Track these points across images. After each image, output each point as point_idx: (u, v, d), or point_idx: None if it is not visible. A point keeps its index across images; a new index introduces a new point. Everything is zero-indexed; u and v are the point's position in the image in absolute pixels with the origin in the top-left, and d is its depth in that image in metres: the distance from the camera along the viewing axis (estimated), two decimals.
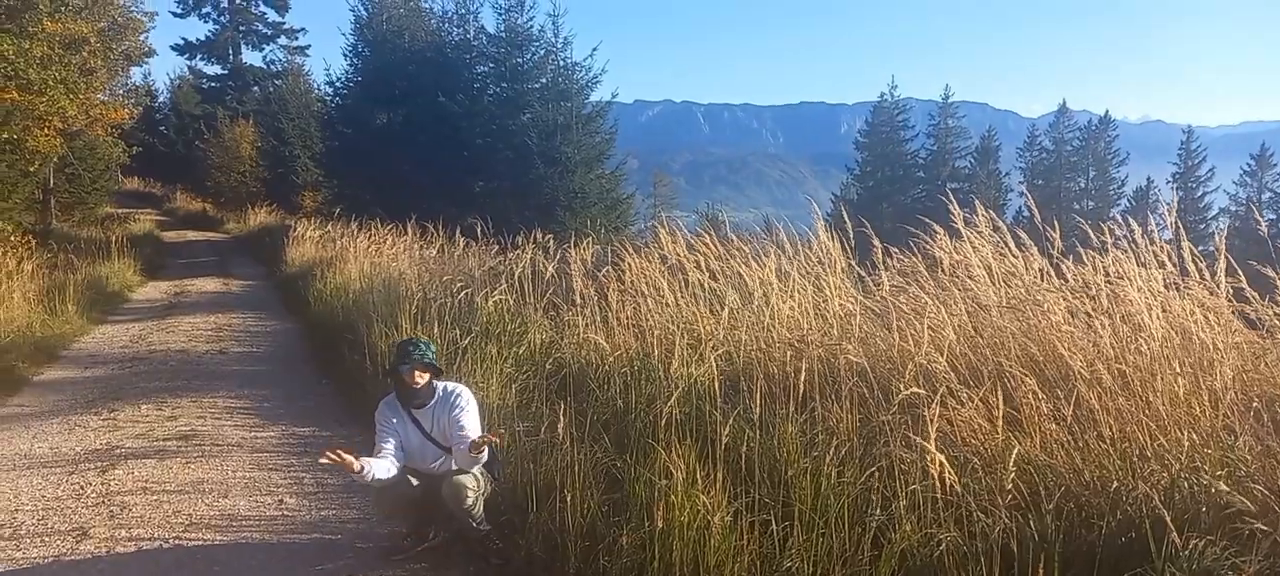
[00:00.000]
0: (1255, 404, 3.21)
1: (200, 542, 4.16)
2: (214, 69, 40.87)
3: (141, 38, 20.55)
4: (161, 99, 46.21)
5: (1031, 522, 2.82)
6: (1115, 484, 2.91)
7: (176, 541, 4.18)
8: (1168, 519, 2.51)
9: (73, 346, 9.72)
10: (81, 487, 4.97)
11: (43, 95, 12.86)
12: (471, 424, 3.80)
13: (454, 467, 3.81)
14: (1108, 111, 45.29)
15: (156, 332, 10.62)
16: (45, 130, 14.08)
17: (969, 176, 40.71)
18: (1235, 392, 3.30)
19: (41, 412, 6.77)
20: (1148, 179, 38.93)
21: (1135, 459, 3.02)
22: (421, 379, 3.80)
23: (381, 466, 3.72)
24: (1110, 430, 3.19)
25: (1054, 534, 2.76)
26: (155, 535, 4.26)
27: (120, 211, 27.81)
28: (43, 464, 5.44)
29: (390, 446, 3.80)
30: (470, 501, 3.78)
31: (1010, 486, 2.85)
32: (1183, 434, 3.06)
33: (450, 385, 3.92)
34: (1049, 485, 3.00)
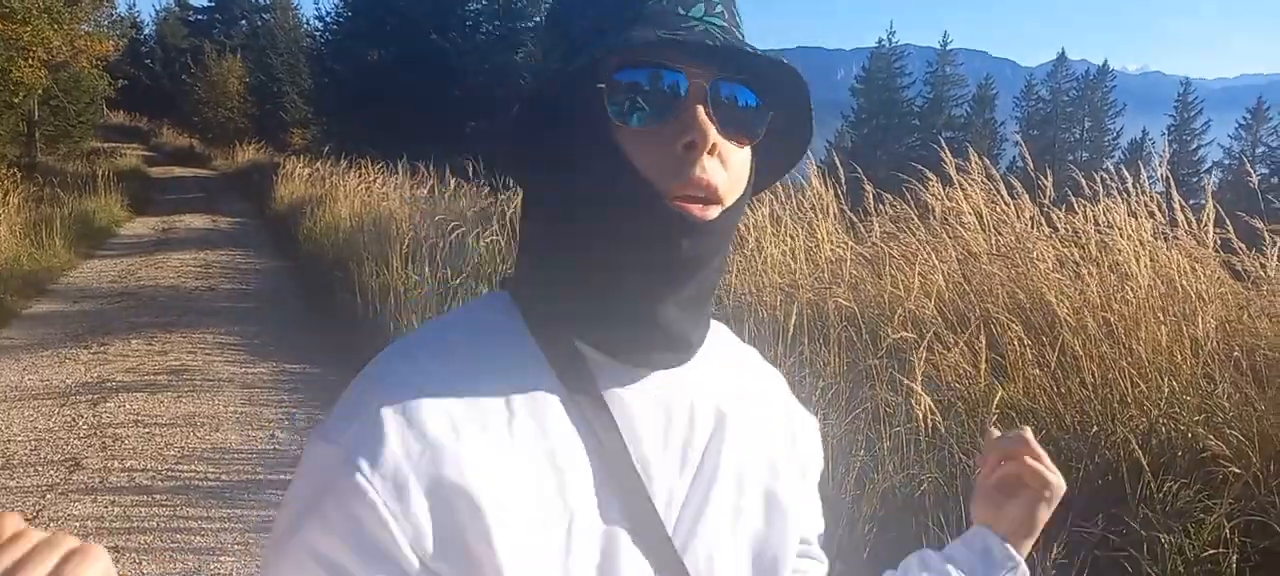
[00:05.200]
0: (1236, 353, 3.26)
1: (193, 474, 4.21)
2: (200, 1, 40.12)
3: None
4: (147, 31, 45.38)
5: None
6: (1095, 428, 2.96)
7: (170, 473, 4.22)
8: (1144, 461, 2.56)
9: (61, 280, 9.68)
10: (73, 419, 5.00)
11: (26, 25, 12.61)
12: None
13: None
14: (1106, 62, 44.99)
15: (145, 268, 10.58)
16: (29, 61, 13.82)
17: (965, 125, 40.52)
18: (1217, 341, 3.35)
19: (31, 345, 6.77)
20: (1143, 130, 38.87)
21: (1116, 404, 3.07)
22: (727, 169, 0.60)
23: None
24: (1093, 376, 3.23)
25: None
26: (148, 466, 4.30)
27: (106, 146, 27.40)
28: (33, 396, 5.46)
29: None
30: None
31: (993, 429, 2.90)
32: (1163, 380, 3.11)
33: (753, 356, 0.78)
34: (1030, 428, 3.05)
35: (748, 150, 0.62)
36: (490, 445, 0.58)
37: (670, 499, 0.63)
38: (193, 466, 4.30)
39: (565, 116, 0.61)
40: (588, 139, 0.59)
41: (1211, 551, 2.38)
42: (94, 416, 5.05)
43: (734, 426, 0.68)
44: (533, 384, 0.61)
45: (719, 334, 0.73)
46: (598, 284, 0.61)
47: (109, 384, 5.71)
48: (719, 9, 0.61)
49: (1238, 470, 2.56)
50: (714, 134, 0.58)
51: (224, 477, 4.18)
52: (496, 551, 0.55)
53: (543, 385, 0.61)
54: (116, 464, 4.32)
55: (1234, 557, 2.36)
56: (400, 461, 0.55)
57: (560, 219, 0.63)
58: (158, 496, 3.96)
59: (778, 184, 5.38)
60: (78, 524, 3.67)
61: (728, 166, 0.60)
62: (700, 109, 0.58)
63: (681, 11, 0.60)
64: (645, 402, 0.63)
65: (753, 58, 0.59)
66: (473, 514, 0.56)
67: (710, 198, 0.59)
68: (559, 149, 0.62)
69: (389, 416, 0.57)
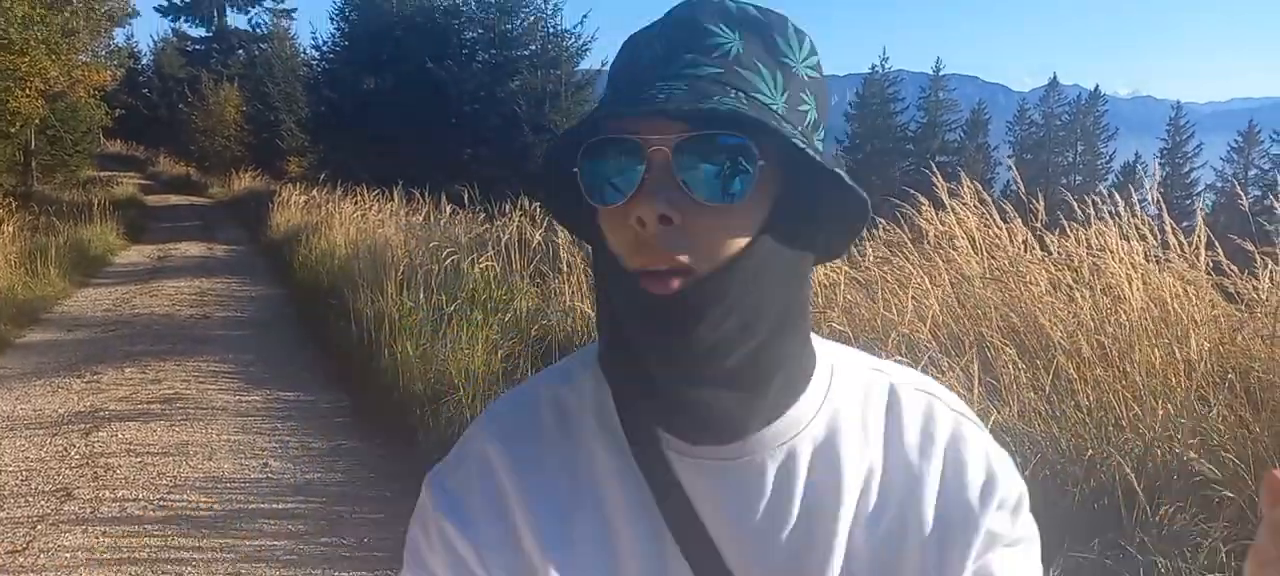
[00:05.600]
0: (1229, 375, 3.26)
1: (186, 504, 4.17)
2: (198, 31, 40.41)
3: None
4: (145, 61, 45.53)
5: None
6: (1090, 451, 2.95)
7: (161, 502, 4.19)
8: (1138, 487, 2.55)
9: (55, 309, 9.65)
10: (65, 449, 4.96)
11: (24, 55, 12.67)
12: None
13: None
14: (1098, 86, 45.45)
15: (140, 296, 10.55)
16: (26, 91, 13.88)
17: (958, 150, 40.76)
18: (1210, 364, 3.35)
19: (24, 374, 6.74)
20: (1136, 154, 39.12)
21: (1110, 427, 3.07)
22: (689, 237, 0.57)
23: None
24: (1087, 399, 3.23)
25: (1029, 499, 2.81)
26: (140, 496, 4.27)
27: (103, 175, 27.46)
28: (26, 425, 5.43)
29: None
30: None
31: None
32: (1157, 404, 3.11)
33: (908, 384, 0.68)
34: (1025, 452, 3.04)
35: (737, 211, 0.57)
36: (559, 521, 0.64)
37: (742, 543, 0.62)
38: (185, 496, 4.27)
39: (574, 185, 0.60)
40: (586, 222, 0.62)
41: (1208, 575, 2.37)
42: (86, 446, 5.02)
43: (842, 493, 0.63)
44: (607, 463, 0.64)
45: (843, 370, 0.67)
46: (629, 366, 0.61)
47: (102, 413, 5.68)
48: (725, 49, 0.58)
49: (1231, 494, 2.55)
50: (662, 205, 0.55)
51: (217, 507, 4.14)
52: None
53: (616, 465, 0.64)
54: (108, 494, 4.29)
55: None
56: (481, 510, 0.64)
57: (599, 293, 0.65)
58: (149, 526, 3.92)
59: None
60: (68, 555, 3.63)
61: (695, 233, 0.56)
62: (651, 180, 0.55)
63: (663, 73, 0.57)
64: (722, 483, 0.62)
65: (722, 104, 0.54)
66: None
67: (674, 269, 0.56)
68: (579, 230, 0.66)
69: (476, 470, 0.66)
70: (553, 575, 0.62)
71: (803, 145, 0.56)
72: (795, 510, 0.62)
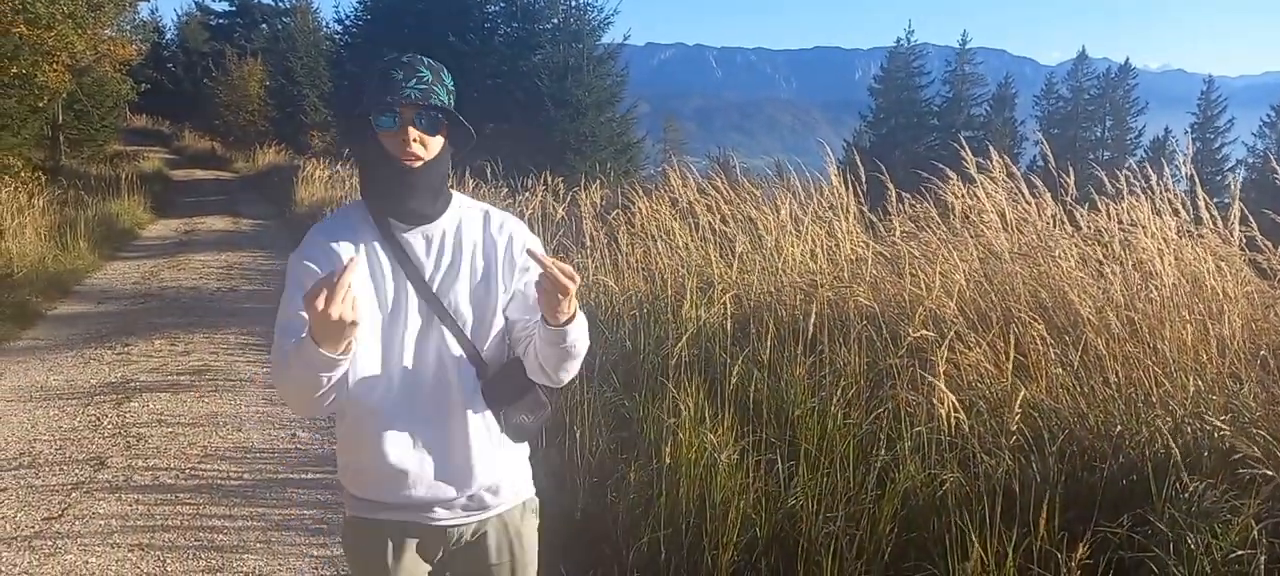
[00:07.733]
0: (1263, 352, 3.21)
1: (216, 473, 4.25)
2: (221, 5, 40.60)
3: None
4: (169, 35, 45.84)
5: (1034, 464, 2.85)
6: (1119, 428, 2.92)
7: (193, 472, 4.27)
8: (1177, 453, 2.53)
9: (85, 282, 9.80)
10: (97, 419, 5.06)
11: (51, 30, 12.75)
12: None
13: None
14: (1127, 59, 44.45)
15: (167, 270, 10.69)
16: (53, 65, 13.98)
17: (984, 124, 40.12)
18: (1243, 340, 3.30)
19: (56, 346, 6.86)
20: (1166, 129, 38.33)
21: (1140, 404, 3.04)
22: (426, 147, 1.61)
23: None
24: (1116, 375, 3.19)
25: (1056, 475, 2.79)
26: (171, 465, 4.35)
27: (128, 149, 27.73)
28: (59, 395, 5.54)
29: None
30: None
31: (1015, 429, 2.87)
32: (1189, 380, 3.07)
33: (494, 210, 1.78)
34: (1053, 428, 3.02)
35: (439, 137, 1.64)
36: (339, 240, 1.65)
37: (427, 268, 1.67)
38: (216, 465, 4.34)
39: (362, 126, 1.64)
40: (371, 136, 1.63)
41: (1239, 552, 2.35)
42: (118, 416, 5.11)
43: (464, 240, 1.70)
44: (367, 234, 1.66)
45: (487, 215, 1.75)
46: (380, 199, 1.66)
47: (133, 384, 5.78)
48: (427, 79, 1.62)
49: (1267, 471, 2.52)
50: (415, 133, 1.60)
51: (247, 476, 4.21)
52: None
53: (370, 234, 1.66)
54: (140, 463, 4.37)
55: (1262, 558, 2.32)
56: (309, 249, 1.67)
57: (366, 167, 1.69)
58: (181, 495, 4.00)
59: (797, 184, 5.32)
60: (102, 522, 3.71)
61: (426, 145, 1.62)
62: (409, 124, 1.60)
63: (405, 78, 1.60)
64: (416, 237, 1.67)
65: (432, 101, 1.60)
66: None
67: (416, 151, 1.61)
68: (363, 138, 1.65)
69: (309, 238, 1.70)
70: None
71: (456, 115, 1.65)
72: (451, 265, 1.68)
